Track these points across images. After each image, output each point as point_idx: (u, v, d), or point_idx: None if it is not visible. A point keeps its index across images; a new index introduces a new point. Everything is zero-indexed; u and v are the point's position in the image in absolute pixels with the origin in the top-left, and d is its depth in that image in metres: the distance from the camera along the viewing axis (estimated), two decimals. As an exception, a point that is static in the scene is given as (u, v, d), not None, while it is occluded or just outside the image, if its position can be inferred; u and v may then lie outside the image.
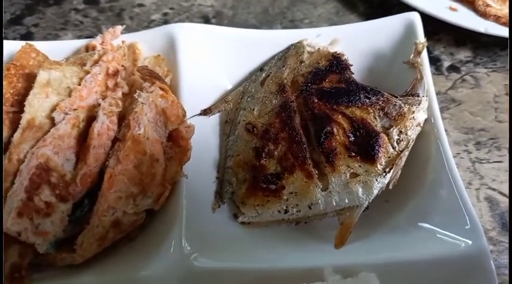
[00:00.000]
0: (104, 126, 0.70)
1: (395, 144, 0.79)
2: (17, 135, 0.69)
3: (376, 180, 0.76)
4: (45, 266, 0.67)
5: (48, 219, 0.64)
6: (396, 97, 0.83)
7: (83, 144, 0.71)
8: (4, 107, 0.73)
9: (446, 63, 1.08)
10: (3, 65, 0.79)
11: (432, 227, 0.72)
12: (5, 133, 0.72)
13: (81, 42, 0.87)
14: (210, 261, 0.68)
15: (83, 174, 0.68)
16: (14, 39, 1.09)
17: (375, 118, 0.81)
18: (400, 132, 0.80)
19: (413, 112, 0.81)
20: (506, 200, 0.89)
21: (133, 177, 0.68)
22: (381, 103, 0.82)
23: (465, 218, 0.70)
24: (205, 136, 0.83)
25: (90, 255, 0.66)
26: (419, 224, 0.73)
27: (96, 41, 0.85)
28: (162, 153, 0.72)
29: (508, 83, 1.03)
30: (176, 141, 0.74)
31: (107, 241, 0.68)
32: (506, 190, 0.90)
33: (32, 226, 0.62)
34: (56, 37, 1.11)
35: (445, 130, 0.81)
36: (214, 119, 0.87)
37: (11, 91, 0.75)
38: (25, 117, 0.70)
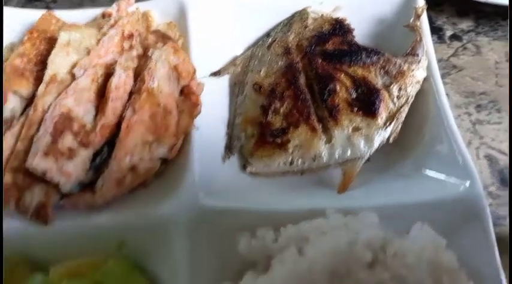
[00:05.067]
0: (121, 79, 0.75)
1: (395, 100, 0.83)
2: (41, 88, 0.75)
3: (377, 133, 0.81)
4: (67, 208, 0.72)
5: (71, 162, 0.69)
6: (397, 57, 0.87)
7: (101, 99, 0.77)
8: (28, 66, 0.79)
9: (448, 33, 1.11)
10: (25, 32, 0.85)
11: (430, 172, 0.77)
12: (29, 88, 0.77)
13: (98, 11, 0.92)
14: (218, 201, 0.72)
15: (102, 125, 0.73)
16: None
17: (375, 76, 0.85)
18: (400, 88, 0.84)
19: (413, 70, 0.84)
20: (505, 158, 0.92)
21: (149, 127, 0.73)
22: (381, 62, 0.86)
23: (460, 163, 0.74)
24: (215, 97, 0.87)
25: (109, 197, 0.71)
26: (418, 171, 0.78)
27: (112, 9, 0.90)
28: (175, 106, 0.77)
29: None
30: (187, 96, 0.79)
31: (125, 185, 0.72)
32: (505, 149, 0.93)
33: (57, 166, 0.67)
34: (73, 13, 1.16)
35: (446, 94, 0.84)
36: (224, 82, 0.91)
37: (34, 52, 0.81)
38: (48, 73, 0.76)
